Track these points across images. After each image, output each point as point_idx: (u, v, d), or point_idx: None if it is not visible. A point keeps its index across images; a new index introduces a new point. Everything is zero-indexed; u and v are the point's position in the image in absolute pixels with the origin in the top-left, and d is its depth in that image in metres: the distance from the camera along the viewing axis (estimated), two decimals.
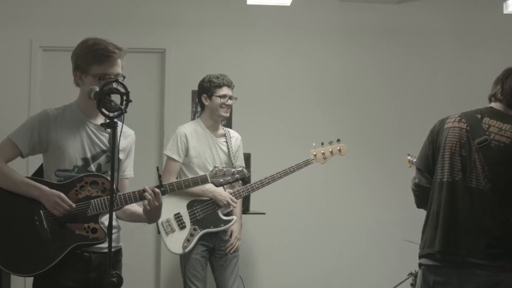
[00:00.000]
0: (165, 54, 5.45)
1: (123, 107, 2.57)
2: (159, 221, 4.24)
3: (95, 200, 2.87)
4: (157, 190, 2.90)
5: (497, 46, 5.66)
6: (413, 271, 4.36)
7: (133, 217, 3.10)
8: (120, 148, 2.96)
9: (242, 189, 4.33)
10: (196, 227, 4.26)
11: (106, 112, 2.56)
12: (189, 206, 4.28)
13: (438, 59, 5.68)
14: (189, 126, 4.45)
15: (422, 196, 3.03)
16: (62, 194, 2.83)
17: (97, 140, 2.96)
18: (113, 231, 2.92)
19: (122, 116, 2.60)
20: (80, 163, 2.92)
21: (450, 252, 2.83)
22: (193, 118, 5.29)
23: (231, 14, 5.51)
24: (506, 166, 2.84)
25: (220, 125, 4.53)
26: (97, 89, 2.65)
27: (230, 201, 4.27)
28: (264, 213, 5.07)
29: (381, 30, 5.62)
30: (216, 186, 3.13)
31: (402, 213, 5.30)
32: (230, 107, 4.42)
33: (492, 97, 3.05)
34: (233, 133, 4.55)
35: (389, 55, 5.65)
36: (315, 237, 5.48)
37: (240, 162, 4.51)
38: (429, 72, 5.66)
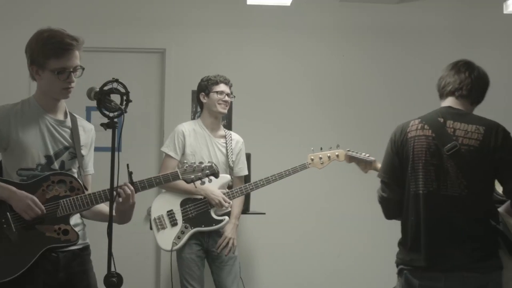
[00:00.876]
0: (165, 54, 5.45)
1: (123, 107, 2.54)
2: (152, 217, 4.27)
3: (64, 200, 2.79)
4: (132, 187, 2.82)
5: (497, 46, 5.66)
6: None
7: (100, 217, 2.99)
8: (82, 143, 2.91)
9: (236, 190, 4.33)
10: (187, 225, 4.27)
11: (106, 112, 2.53)
12: (182, 204, 4.29)
13: (438, 59, 5.65)
14: (188, 125, 4.47)
15: (392, 209, 2.96)
16: (34, 197, 2.73)
17: (58, 136, 2.87)
18: (78, 228, 2.88)
19: (122, 116, 2.55)
20: (43, 161, 2.81)
21: (441, 263, 2.81)
22: (193, 118, 5.29)
23: (231, 14, 5.51)
24: (479, 169, 2.83)
25: (221, 126, 4.53)
26: (97, 89, 2.62)
27: (222, 201, 4.26)
28: (264, 213, 5.06)
29: (381, 30, 5.62)
30: (187, 182, 3.08)
31: None
32: (228, 103, 4.43)
33: (452, 93, 2.97)
34: (234, 136, 4.55)
35: (389, 55, 5.65)
36: (315, 237, 5.47)
37: (241, 166, 4.51)
38: (429, 72, 5.62)
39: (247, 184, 4.37)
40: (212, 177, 3.10)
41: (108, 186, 2.70)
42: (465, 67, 3.06)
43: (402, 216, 2.94)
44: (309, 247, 5.47)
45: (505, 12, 5.14)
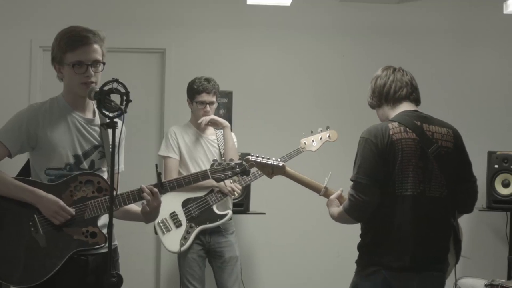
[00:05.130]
0: (165, 54, 5.45)
1: (123, 107, 2.52)
2: (155, 222, 4.24)
3: (92, 201, 2.75)
4: (155, 189, 2.80)
5: (497, 46, 5.66)
6: None
7: (128, 216, 2.97)
8: (111, 142, 2.89)
9: (238, 180, 4.35)
10: (192, 224, 4.27)
11: (106, 112, 2.50)
12: (184, 204, 4.30)
13: (438, 59, 5.68)
14: (178, 126, 4.53)
15: (369, 211, 2.91)
16: (61, 202, 2.70)
17: (88, 135, 2.83)
18: (106, 230, 2.80)
19: (122, 116, 2.54)
20: (72, 160, 2.78)
21: (421, 264, 2.88)
22: None
23: (231, 14, 5.51)
24: (454, 170, 2.95)
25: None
26: (97, 89, 2.59)
27: (234, 187, 4.31)
28: (264, 213, 5.06)
29: (381, 30, 5.62)
30: (217, 181, 3.07)
31: None
32: (209, 112, 4.41)
33: (408, 97, 3.04)
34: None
35: (389, 55, 5.63)
36: (315, 237, 5.47)
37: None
38: (429, 72, 5.65)
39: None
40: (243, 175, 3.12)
41: (131, 188, 2.78)
42: (404, 71, 3.11)
43: (378, 218, 2.91)
44: (309, 247, 5.47)
45: (505, 12, 5.14)
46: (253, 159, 3.20)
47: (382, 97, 3.04)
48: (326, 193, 3.29)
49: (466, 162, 3.04)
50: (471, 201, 3.09)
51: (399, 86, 3.03)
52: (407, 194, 2.86)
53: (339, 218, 3.08)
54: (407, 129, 2.90)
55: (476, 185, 3.09)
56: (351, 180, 2.96)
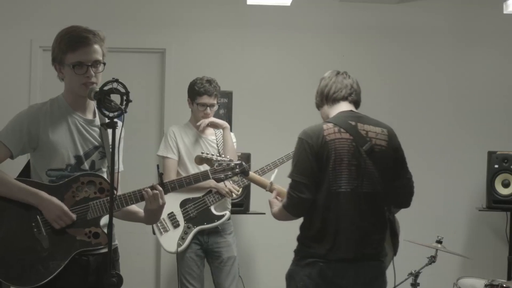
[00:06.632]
0: (165, 54, 5.45)
1: (123, 107, 2.51)
2: None
3: (94, 202, 2.75)
4: (160, 188, 2.80)
5: (497, 46, 5.66)
6: (413, 271, 4.36)
7: (129, 216, 2.97)
8: (111, 142, 2.86)
9: (237, 181, 4.36)
10: (189, 224, 4.28)
11: (106, 112, 2.50)
12: (182, 205, 4.31)
13: (438, 59, 5.68)
14: (178, 126, 4.51)
15: (306, 208, 3.09)
16: (65, 207, 2.70)
17: (88, 136, 2.83)
18: (107, 229, 2.81)
19: (122, 116, 2.54)
20: (73, 161, 2.77)
21: (356, 255, 3.06)
22: None
23: (231, 14, 5.51)
24: (388, 167, 3.13)
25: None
26: (97, 89, 2.59)
27: (232, 189, 4.32)
28: (264, 213, 5.05)
29: (381, 30, 5.62)
30: (217, 182, 3.12)
31: (402, 213, 5.29)
32: (209, 114, 4.41)
33: (346, 98, 3.18)
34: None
35: (389, 55, 5.65)
36: None
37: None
38: (429, 72, 5.66)
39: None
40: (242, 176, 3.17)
41: (132, 188, 2.78)
42: (347, 75, 3.26)
43: (315, 213, 3.09)
44: None
45: (505, 12, 5.14)
46: (203, 156, 3.39)
47: (323, 97, 3.24)
48: (271, 188, 3.50)
49: (401, 160, 3.20)
50: (407, 196, 3.27)
51: (339, 87, 3.20)
52: (341, 190, 3.04)
53: (280, 216, 3.26)
54: (341, 130, 3.08)
55: (411, 181, 3.25)
56: (288, 177, 3.12)
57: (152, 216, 2.91)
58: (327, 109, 3.23)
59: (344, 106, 3.19)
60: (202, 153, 3.47)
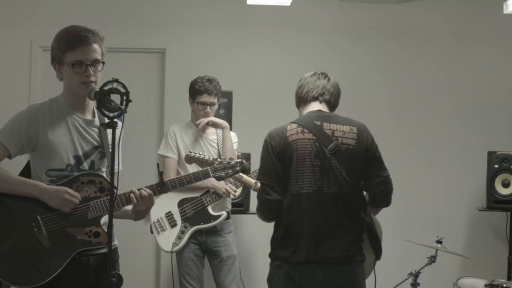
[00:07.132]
0: (165, 54, 5.45)
1: (123, 107, 2.52)
2: (151, 221, 4.29)
3: (94, 201, 2.75)
4: (149, 191, 2.81)
5: (497, 46, 5.66)
6: (413, 271, 4.36)
7: (124, 215, 2.97)
8: (110, 142, 2.85)
9: (234, 181, 4.36)
10: (186, 224, 4.29)
11: (106, 112, 2.50)
12: (180, 204, 4.31)
13: (438, 58, 5.68)
14: (178, 125, 4.52)
15: (275, 209, 3.08)
16: (67, 188, 2.70)
17: (87, 136, 2.83)
18: (106, 227, 2.81)
19: (122, 116, 2.54)
20: (72, 161, 2.78)
21: (321, 258, 3.01)
22: None
23: (231, 14, 5.51)
24: (357, 167, 3.07)
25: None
26: (97, 89, 2.59)
27: (229, 189, 4.31)
28: None
29: (381, 30, 5.62)
30: (218, 180, 3.12)
31: (402, 213, 5.30)
32: (209, 113, 4.42)
33: (317, 98, 3.20)
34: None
35: (389, 55, 5.65)
36: None
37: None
38: (429, 72, 5.66)
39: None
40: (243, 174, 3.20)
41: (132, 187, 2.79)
42: (323, 75, 3.28)
43: (281, 216, 3.07)
44: None
45: (505, 12, 5.14)
46: (191, 155, 3.40)
47: (298, 98, 3.31)
48: (255, 188, 3.50)
49: (374, 158, 3.12)
50: (385, 195, 3.18)
51: (311, 88, 3.24)
52: (303, 192, 3.01)
53: (259, 217, 3.25)
54: (305, 130, 3.07)
55: (389, 179, 3.17)
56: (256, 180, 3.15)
57: (139, 214, 2.92)
58: (301, 109, 3.27)
59: (314, 106, 3.19)
60: (191, 152, 3.48)
